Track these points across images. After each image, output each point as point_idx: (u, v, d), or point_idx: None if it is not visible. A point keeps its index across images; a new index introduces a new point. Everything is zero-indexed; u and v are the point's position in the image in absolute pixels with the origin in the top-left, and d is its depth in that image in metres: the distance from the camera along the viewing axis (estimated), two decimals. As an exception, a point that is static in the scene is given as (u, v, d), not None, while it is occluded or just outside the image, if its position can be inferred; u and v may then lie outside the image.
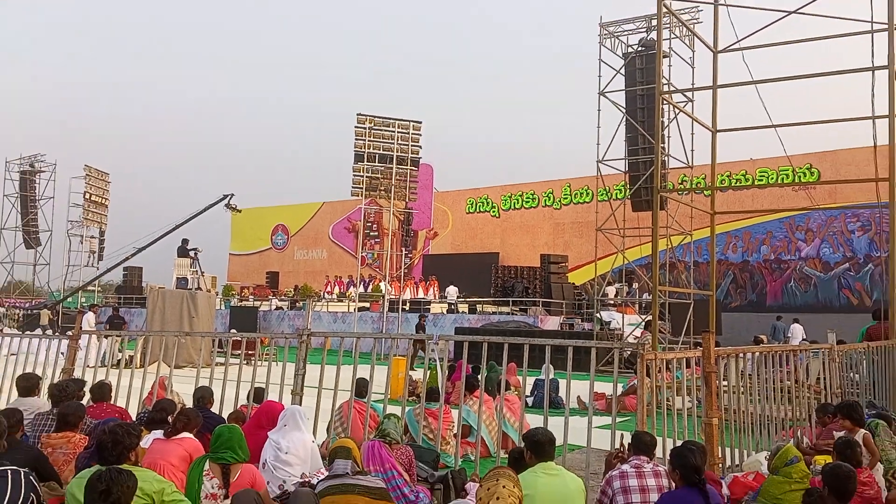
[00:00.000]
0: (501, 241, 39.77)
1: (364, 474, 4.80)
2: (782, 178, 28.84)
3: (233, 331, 23.36)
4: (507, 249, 39.02)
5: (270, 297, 36.63)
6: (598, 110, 21.86)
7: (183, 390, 8.84)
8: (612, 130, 21.78)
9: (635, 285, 26.48)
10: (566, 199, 37.74)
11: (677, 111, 19.74)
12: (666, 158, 20.22)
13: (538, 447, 4.92)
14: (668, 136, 20.57)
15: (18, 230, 42.94)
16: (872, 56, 13.35)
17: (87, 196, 35.86)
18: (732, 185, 30.83)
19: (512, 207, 40.01)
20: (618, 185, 23.43)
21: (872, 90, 13.26)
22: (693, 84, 20.12)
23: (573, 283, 30.28)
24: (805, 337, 21.41)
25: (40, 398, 7.38)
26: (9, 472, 3.94)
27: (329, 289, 36.65)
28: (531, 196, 39.29)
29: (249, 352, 11.16)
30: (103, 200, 37.09)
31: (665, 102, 18.32)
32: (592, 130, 21.88)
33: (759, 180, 30.15)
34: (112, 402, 7.46)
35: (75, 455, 5.50)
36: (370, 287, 34.42)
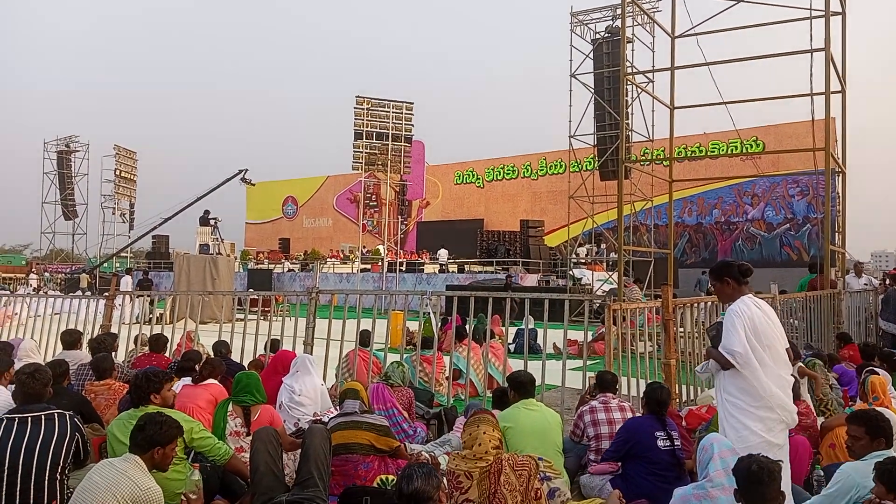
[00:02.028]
0: (485, 209, 39.69)
1: (370, 413, 4.84)
2: (732, 150, 28.78)
3: (250, 290, 23.34)
4: (491, 216, 38.95)
5: (283, 260, 36.52)
6: (570, 91, 21.73)
7: (208, 343, 8.85)
8: (582, 109, 21.67)
9: (603, 246, 26.57)
10: (542, 170, 37.60)
11: (640, 91, 19.58)
12: (630, 133, 20.09)
13: (520, 386, 4.97)
14: (632, 113, 20.44)
15: (58, 204, 42.58)
16: (811, 40, 13.29)
17: (118, 172, 35.48)
18: (688, 156, 30.76)
19: (495, 179, 39.86)
20: (587, 157, 23.24)
21: (811, 70, 13.24)
22: (653, 66, 19.93)
23: (549, 245, 30.34)
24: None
25: (82, 351, 7.39)
26: (55, 414, 3.95)
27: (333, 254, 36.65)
28: (511, 168, 39.14)
29: (265, 308, 11.15)
30: (132, 176, 36.69)
31: (629, 83, 18.16)
32: (565, 109, 21.80)
33: (712, 151, 30.08)
34: (161, 352, 7.46)
35: (115, 400, 5.52)
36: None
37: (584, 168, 22.97)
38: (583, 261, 25.40)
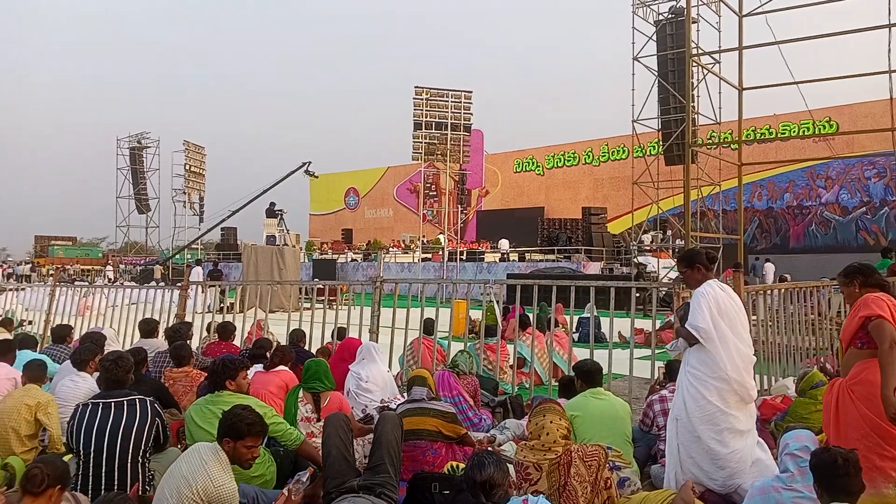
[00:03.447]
0: (546, 197, 39.32)
1: (437, 400, 4.85)
2: (804, 131, 27.62)
3: (315, 280, 23.79)
4: (552, 204, 38.57)
5: (346, 250, 37.09)
6: (633, 74, 21.31)
7: (276, 331, 9.06)
8: (646, 92, 21.19)
9: (669, 232, 25.98)
10: (604, 156, 36.98)
11: (706, 72, 19.00)
12: (696, 116, 19.55)
13: (587, 375, 4.90)
14: (698, 96, 19.87)
15: (131, 198, 44.24)
16: (889, 14, 12.59)
17: (187, 167, 36.64)
18: (757, 138, 29.74)
19: (555, 166, 39.43)
20: (651, 142, 22.72)
21: (889, 46, 12.55)
22: (720, 46, 19.32)
23: (612, 233, 29.81)
24: (776, 274, 21.58)
25: (158, 339, 7.65)
26: (137, 400, 4.10)
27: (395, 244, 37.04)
28: (572, 155, 38.63)
29: (331, 297, 11.32)
30: (201, 170, 37.84)
31: (694, 64, 17.65)
32: (627, 94, 21.37)
33: (782, 133, 28.95)
34: (228, 340, 7.64)
35: (192, 386, 5.70)
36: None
37: (648, 153, 22.48)
38: (647, 248, 24.89)
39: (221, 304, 10.71)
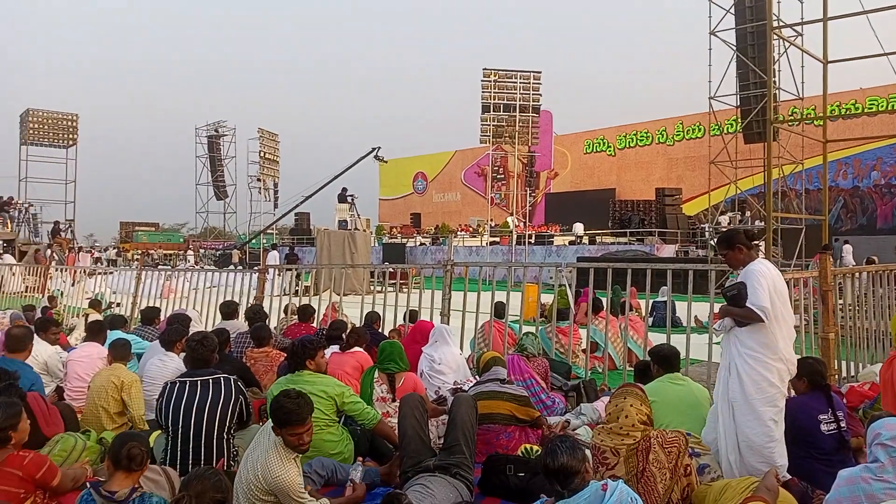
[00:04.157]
0: (617, 178, 38.51)
1: (511, 384, 4.85)
2: (892, 105, 26.04)
3: (386, 263, 24.11)
4: (623, 185, 37.75)
5: (415, 234, 37.41)
6: (709, 49, 20.52)
7: (350, 313, 9.22)
8: (723, 68, 20.37)
9: (748, 213, 25.02)
10: (679, 135, 35.85)
11: (787, 45, 18.11)
12: (777, 91, 18.67)
13: (664, 360, 4.79)
14: (779, 70, 18.95)
15: (210, 185, 45.84)
16: None
17: (262, 154, 37.66)
18: (843, 114, 28.21)
19: (627, 146, 38.52)
20: (729, 119, 21.89)
21: None
22: (802, 18, 18.37)
23: (686, 214, 28.96)
24: (859, 256, 20.13)
25: (239, 320, 7.90)
26: (221, 378, 4.26)
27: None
28: (645, 134, 37.63)
29: (401, 281, 11.47)
30: (275, 157, 38.84)
31: (776, 37, 16.84)
32: (703, 69, 20.58)
33: (869, 108, 27.34)
34: (308, 322, 7.84)
35: (272, 366, 5.89)
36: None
37: (726, 131, 21.69)
38: (725, 230, 24.09)
39: (297, 287, 10.97)
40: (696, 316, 10.68)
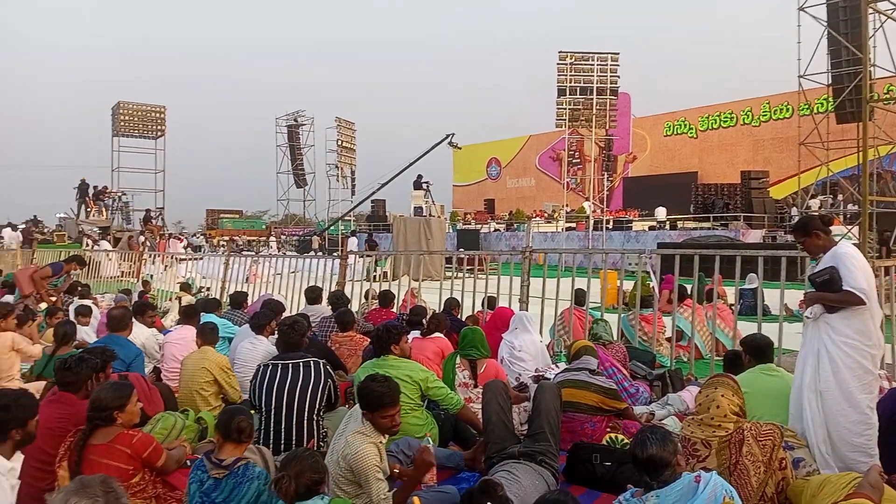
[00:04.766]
0: (700, 161, 37.28)
1: (600, 374, 4.79)
2: None
3: (461, 249, 24.19)
4: (706, 168, 36.53)
5: (489, 220, 37.36)
6: (798, 26, 19.57)
7: (428, 298, 9.31)
8: (813, 45, 19.38)
9: (839, 196, 23.78)
10: (765, 116, 34.34)
11: (884, 19, 17.00)
12: (872, 69, 17.59)
13: (757, 350, 4.63)
14: (874, 46, 17.84)
15: (290, 174, 47.07)
16: None
17: (339, 143, 38.34)
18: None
19: (710, 128, 37.20)
20: (819, 98, 20.80)
21: None
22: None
23: (774, 198, 27.74)
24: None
25: (322, 305, 8.11)
26: (311, 362, 4.39)
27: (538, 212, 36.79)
28: (729, 115, 36.22)
29: (470, 266, 11.47)
30: (352, 145, 39.48)
31: (871, 11, 15.81)
32: (792, 47, 19.66)
33: (978, 83, 25.39)
34: (388, 307, 7.93)
35: (356, 350, 6.03)
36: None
37: (816, 111, 20.63)
38: (816, 214, 22.97)
39: (375, 273, 11.16)
40: (785, 304, 10.28)
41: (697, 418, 3.86)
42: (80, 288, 10.53)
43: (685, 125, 38.50)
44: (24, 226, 27.30)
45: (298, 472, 2.69)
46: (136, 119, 37.93)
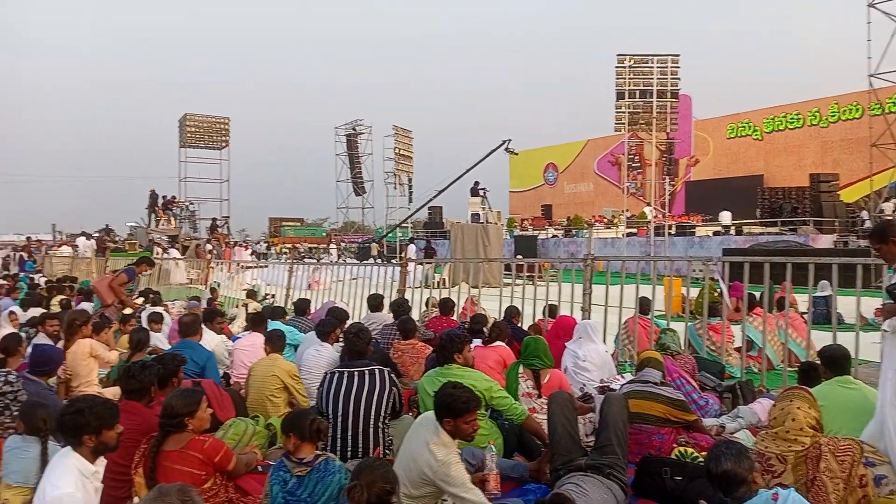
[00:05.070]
0: (765, 163, 36.09)
1: (666, 385, 4.69)
2: None
3: (518, 256, 24.08)
4: (772, 171, 35.34)
5: (546, 226, 37.06)
6: (868, 23, 18.75)
7: (487, 306, 9.27)
8: (884, 42, 18.56)
9: (916, 200, 22.65)
10: (834, 116, 32.99)
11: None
12: (952, 64, 16.79)
13: (833, 362, 4.47)
14: (951, 42, 17.03)
15: (349, 182, 47.86)
16: None
17: (397, 151, 38.77)
18: None
19: (775, 129, 35.98)
20: (891, 97, 19.91)
21: None
22: None
23: (844, 201, 26.64)
24: None
25: (384, 312, 8.19)
26: (376, 370, 4.44)
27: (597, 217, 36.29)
28: (796, 116, 34.96)
29: (531, 274, 11.39)
30: (409, 153, 39.87)
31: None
32: (861, 45, 18.86)
33: None
34: (449, 315, 7.93)
35: (418, 357, 6.06)
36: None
37: (888, 110, 19.74)
38: (889, 217, 21.95)
39: (432, 280, 11.22)
40: (860, 312, 9.85)
41: (772, 432, 3.75)
42: (151, 295, 10.93)
43: (749, 127, 37.37)
44: (97, 235, 28.51)
45: (370, 482, 2.72)
46: (201, 130, 39.24)
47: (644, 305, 7.52)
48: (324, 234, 49.54)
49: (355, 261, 25.53)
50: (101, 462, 3.24)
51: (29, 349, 5.72)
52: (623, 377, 5.70)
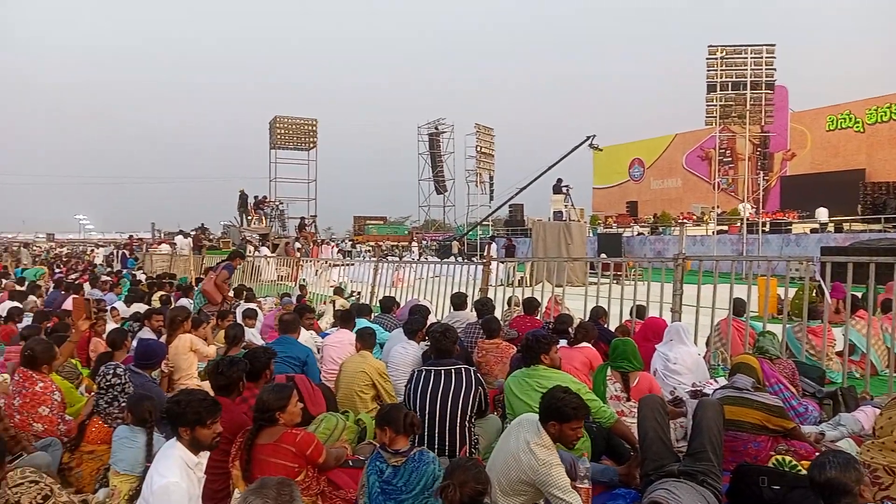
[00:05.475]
0: (868, 157, 34.01)
1: (762, 390, 4.50)
2: None
3: (602, 255, 23.64)
4: (875, 165, 33.27)
5: (631, 223, 36.20)
6: None
7: (571, 306, 9.16)
8: None
9: None
10: (945, 105, 30.76)
11: None
12: None
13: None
14: None
15: (430, 180, 48.39)
16: None
17: (478, 149, 38.82)
18: None
19: (879, 121, 33.83)
20: None
21: None
22: None
23: (959, 196, 24.79)
24: None
25: (467, 311, 8.21)
26: (462, 369, 4.48)
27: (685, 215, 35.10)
28: (902, 107, 32.81)
29: (618, 273, 11.10)
30: (490, 151, 39.85)
31: None
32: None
33: None
34: (533, 315, 7.83)
35: (502, 357, 6.05)
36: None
37: None
38: None
39: (513, 279, 11.16)
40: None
41: (878, 442, 3.55)
42: (245, 292, 11.38)
43: (850, 118, 35.29)
44: (193, 233, 29.89)
45: (463, 482, 2.75)
46: (290, 132, 40.48)
47: (738, 307, 7.23)
48: (406, 232, 50.23)
49: (436, 259, 25.72)
50: (204, 454, 3.40)
51: (133, 343, 6.08)
52: (716, 381, 5.51)
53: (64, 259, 32.92)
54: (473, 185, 40.69)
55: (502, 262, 12.36)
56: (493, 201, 40.87)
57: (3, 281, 16.18)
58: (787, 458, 4.05)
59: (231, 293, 10.69)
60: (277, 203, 36.39)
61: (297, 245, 28.08)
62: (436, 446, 4.25)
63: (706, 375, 5.76)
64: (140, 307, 10.01)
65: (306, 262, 18.55)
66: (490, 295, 9.15)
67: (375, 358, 5.83)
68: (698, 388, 5.20)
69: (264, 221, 31.39)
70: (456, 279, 10.55)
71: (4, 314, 8.99)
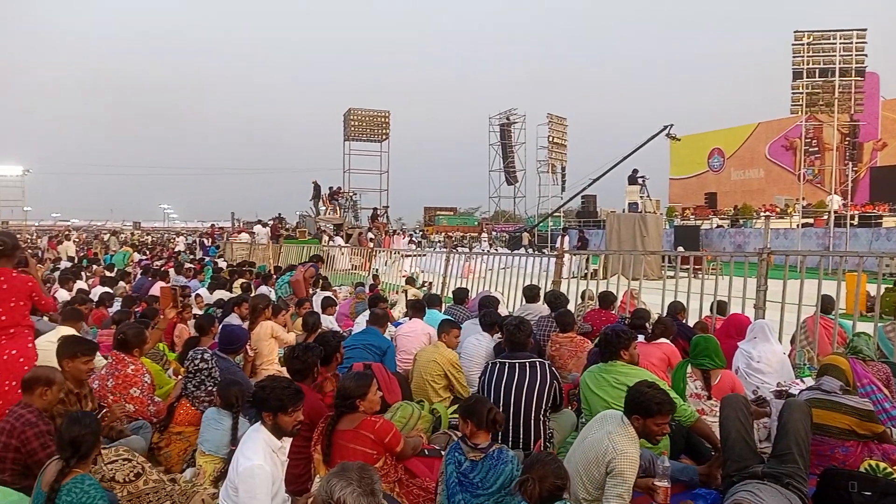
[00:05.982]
0: (971, 146, 31.90)
1: (852, 393, 4.30)
2: None
3: (679, 248, 23.00)
4: (979, 155, 31.17)
5: (710, 215, 35.03)
6: None
7: (646, 300, 8.95)
8: None
9: None
10: None
11: None
12: None
13: None
14: None
15: (501, 171, 48.21)
16: None
17: (550, 139, 38.44)
18: None
19: None
20: None
21: None
22: None
23: None
24: None
25: (540, 304, 8.15)
26: (537, 362, 4.47)
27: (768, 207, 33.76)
28: None
29: (696, 266, 10.80)
30: (563, 141, 39.38)
31: None
32: None
33: None
34: (608, 309, 7.74)
35: (576, 351, 6.00)
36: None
37: None
38: None
39: (586, 271, 11.00)
40: None
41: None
42: (322, 281, 11.66)
43: (952, 105, 33.15)
44: (271, 223, 30.77)
45: (542, 476, 2.75)
46: (364, 124, 41.05)
47: (827, 304, 6.91)
48: (476, 222, 50.23)
49: (506, 250, 25.63)
50: (287, 438, 3.51)
51: (218, 328, 6.33)
52: (802, 381, 5.30)
53: (150, 246, 34.46)
54: (545, 175, 40.34)
55: (574, 255, 12.19)
56: (564, 192, 40.39)
57: (94, 267, 17.08)
58: (881, 464, 3.86)
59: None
60: (351, 194, 37.01)
61: (370, 235, 28.50)
62: (510, 439, 4.25)
63: (791, 375, 5.54)
64: (223, 294, 10.40)
65: (378, 252, 18.82)
66: (563, 288, 9.05)
67: (450, 351, 5.86)
68: (783, 388, 5.01)
69: (338, 212, 31.99)
70: (527, 271, 10.48)
71: (96, 299, 9.50)
